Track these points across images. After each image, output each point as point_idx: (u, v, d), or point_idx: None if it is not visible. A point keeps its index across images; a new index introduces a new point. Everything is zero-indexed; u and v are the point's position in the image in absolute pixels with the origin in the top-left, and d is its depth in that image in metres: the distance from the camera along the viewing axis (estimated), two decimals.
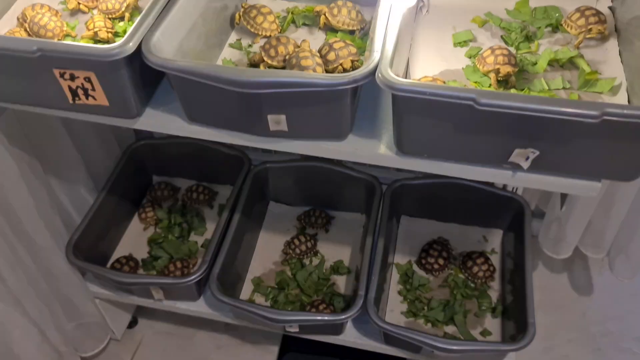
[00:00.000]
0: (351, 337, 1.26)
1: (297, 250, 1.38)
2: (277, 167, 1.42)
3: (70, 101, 0.87)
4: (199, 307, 1.32)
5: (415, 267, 1.36)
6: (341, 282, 1.35)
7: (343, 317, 1.14)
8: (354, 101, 0.82)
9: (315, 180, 1.43)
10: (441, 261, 1.33)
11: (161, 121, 0.89)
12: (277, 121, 0.81)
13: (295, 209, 1.50)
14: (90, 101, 0.86)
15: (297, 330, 1.22)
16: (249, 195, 1.37)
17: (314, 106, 0.79)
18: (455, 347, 1.07)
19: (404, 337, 1.10)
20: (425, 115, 0.74)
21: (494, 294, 1.30)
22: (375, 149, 0.83)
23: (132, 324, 1.60)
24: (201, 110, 0.86)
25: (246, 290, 1.34)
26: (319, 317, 1.16)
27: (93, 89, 0.84)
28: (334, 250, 1.41)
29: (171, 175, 1.57)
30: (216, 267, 1.23)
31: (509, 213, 1.35)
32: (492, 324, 1.25)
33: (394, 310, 1.28)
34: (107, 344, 1.50)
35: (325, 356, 1.53)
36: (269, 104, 0.79)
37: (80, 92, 0.85)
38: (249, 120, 0.82)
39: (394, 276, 1.35)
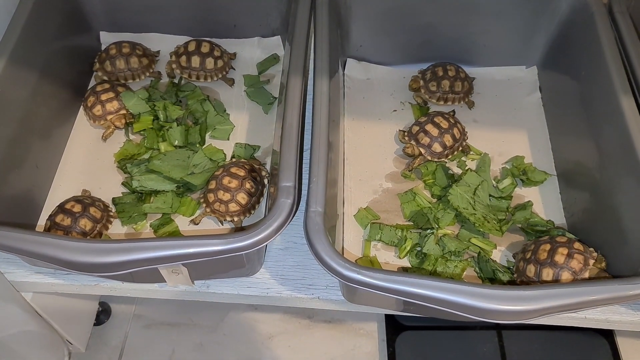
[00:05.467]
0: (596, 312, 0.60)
1: (436, 147, 0.68)
2: None
3: None
4: (259, 288, 0.61)
5: None
6: (535, 198, 0.67)
7: None
8: None
9: (437, 11, 0.71)
10: None
11: None
12: None
13: (397, 71, 0.78)
14: None
15: None
16: (330, 44, 0.64)
17: None
18: None
19: None
20: None
21: None
22: None
23: (102, 316, 0.87)
24: None
25: (350, 240, 0.64)
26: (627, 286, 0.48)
27: None
28: (497, 140, 0.72)
29: (136, 27, 0.79)
30: (314, 200, 0.52)
31: None
32: None
33: None
34: None
35: (451, 329, 0.89)
36: None
37: None
38: None
39: None
